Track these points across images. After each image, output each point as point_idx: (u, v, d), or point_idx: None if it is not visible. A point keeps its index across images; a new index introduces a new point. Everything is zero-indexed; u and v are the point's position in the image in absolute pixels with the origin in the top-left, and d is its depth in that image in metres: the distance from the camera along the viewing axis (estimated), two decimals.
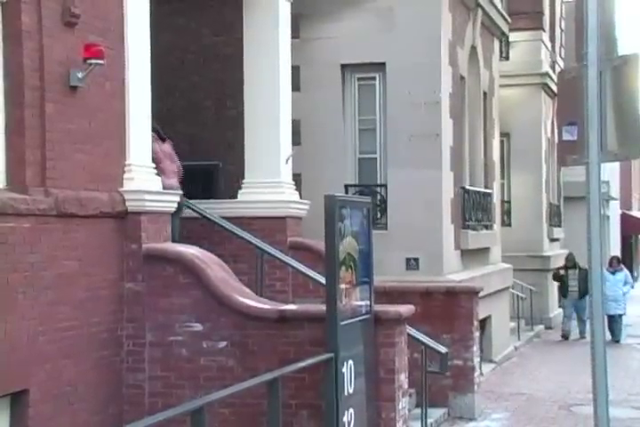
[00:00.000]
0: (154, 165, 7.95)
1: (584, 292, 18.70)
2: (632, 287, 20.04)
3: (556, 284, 19.98)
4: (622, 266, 19.38)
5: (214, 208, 9.85)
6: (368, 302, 7.28)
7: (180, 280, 7.45)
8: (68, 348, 6.71)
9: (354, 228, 7.09)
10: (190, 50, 12.46)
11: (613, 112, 5.76)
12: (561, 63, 23.26)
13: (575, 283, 18.98)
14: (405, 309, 7.53)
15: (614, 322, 17.95)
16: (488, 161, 15.63)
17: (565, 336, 18.76)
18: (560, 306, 19.99)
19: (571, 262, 19.24)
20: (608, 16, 5.91)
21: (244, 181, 10.46)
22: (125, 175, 7.51)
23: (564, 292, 19.25)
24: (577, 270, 18.97)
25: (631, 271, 27.37)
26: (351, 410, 6.73)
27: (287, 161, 10.38)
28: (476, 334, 10.63)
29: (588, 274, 6.09)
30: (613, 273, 18.36)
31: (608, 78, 5.77)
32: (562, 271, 19.18)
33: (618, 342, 17.88)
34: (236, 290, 7.52)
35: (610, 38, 5.87)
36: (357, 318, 7.04)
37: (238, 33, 10.66)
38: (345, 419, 6.62)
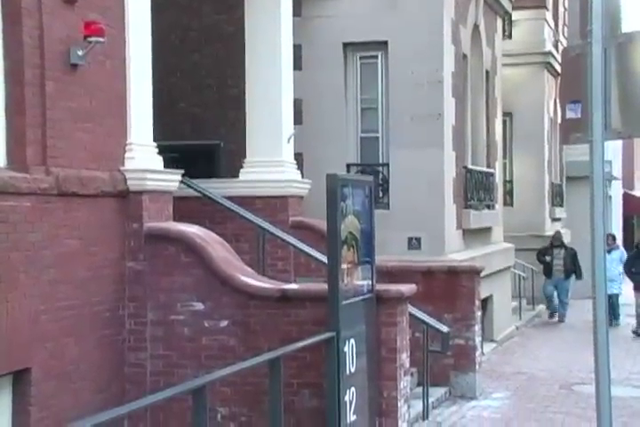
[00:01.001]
0: (155, 144, 7.91)
1: (570, 272, 18.50)
2: None
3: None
4: (618, 244, 19.06)
5: (216, 187, 9.82)
6: (370, 282, 7.27)
7: (182, 259, 7.43)
8: (69, 327, 6.71)
9: (356, 207, 7.06)
10: (192, 28, 12.40)
11: (617, 90, 5.72)
12: (564, 42, 23.14)
13: (561, 262, 18.46)
14: (407, 288, 7.52)
15: (611, 305, 16.95)
16: (490, 141, 15.58)
17: (561, 319, 18.50)
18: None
19: (557, 241, 18.74)
20: None
21: (245, 160, 10.43)
22: (127, 154, 7.48)
23: (548, 271, 18.71)
24: (563, 250, 18.56)
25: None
26: (353, 389, 6.74)
27: (289, 140, 10.34)
28: (478, 313, 10.64)
29: (591, 254, 5.98)
30: (609, 252, 16.97)
31: (612, 56, 5.72)
32: (547, 258, 18.50)
33: (617, 323, 17.76)
34: (238, 269, 7.51)
35: (614, 15, 5.82)
36: (359, 298, 7.02)
37: (240, 11, 10.59)
38: (346, 398, 6.62)
